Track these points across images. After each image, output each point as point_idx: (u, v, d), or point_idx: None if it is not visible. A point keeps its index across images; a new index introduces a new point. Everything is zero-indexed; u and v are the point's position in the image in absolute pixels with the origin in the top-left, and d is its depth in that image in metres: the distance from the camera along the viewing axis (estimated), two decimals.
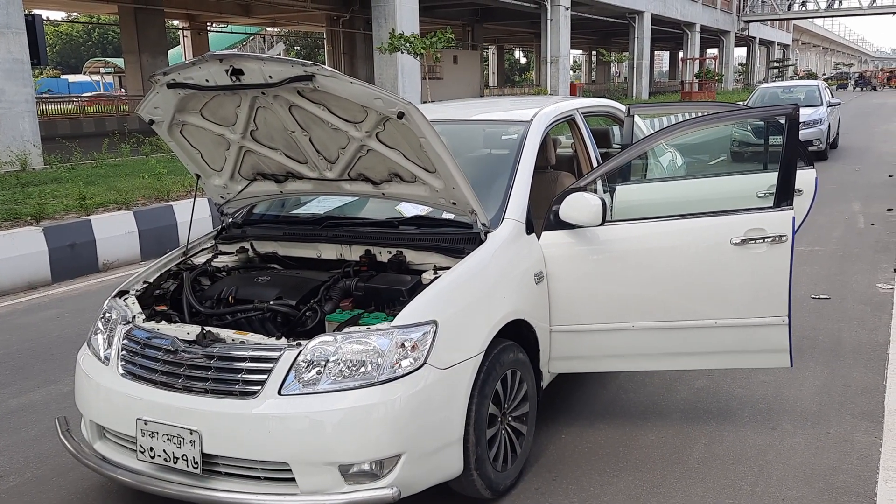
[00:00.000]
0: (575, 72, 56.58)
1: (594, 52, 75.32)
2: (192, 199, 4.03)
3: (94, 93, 51.12)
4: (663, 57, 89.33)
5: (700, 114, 4.56)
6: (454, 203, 3.38)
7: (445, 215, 3.65)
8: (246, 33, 54.44)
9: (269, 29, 57.15)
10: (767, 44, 71.49)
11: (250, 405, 2.82)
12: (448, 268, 3.32)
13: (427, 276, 3.31)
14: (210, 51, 42.58)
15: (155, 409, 2.95)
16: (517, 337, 3.43)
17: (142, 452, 2.98)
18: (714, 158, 13.93)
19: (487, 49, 60.05)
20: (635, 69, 42.46)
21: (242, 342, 2.99)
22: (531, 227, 3.65)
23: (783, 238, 3.54)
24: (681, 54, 61.32)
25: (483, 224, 3.41)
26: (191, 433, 2.86)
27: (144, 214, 8.73)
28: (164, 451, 2.93)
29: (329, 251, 3.72)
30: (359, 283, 3.36)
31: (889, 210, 9.78)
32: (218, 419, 2.84)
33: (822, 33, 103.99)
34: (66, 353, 5.45)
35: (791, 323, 3.60)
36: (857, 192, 11.29)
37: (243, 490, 2.85)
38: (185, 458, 2.88)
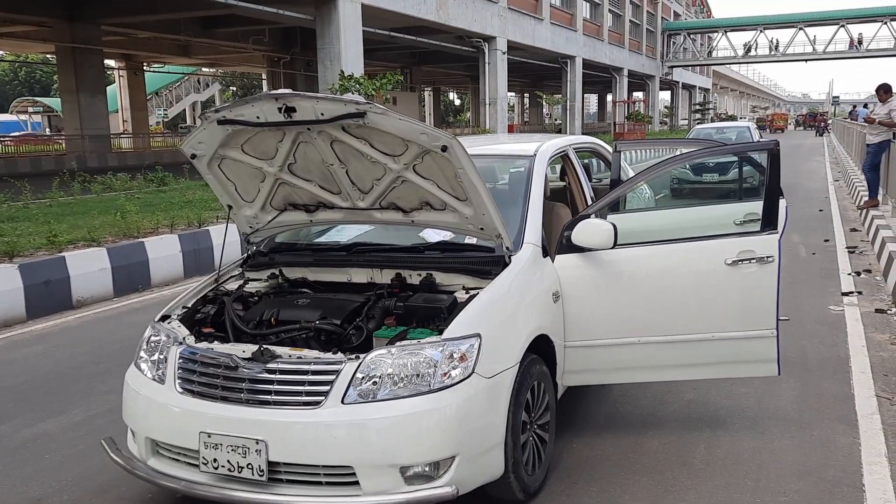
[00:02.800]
0: (508, 113, 58.03)
1: (526, 95, 77.44)
2: (225, 229, 4.22)
3: (22, 132, 49.83)
4: (591, 100, 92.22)
5: (681, 150, 5.00)
6: (482, 228, 3.69)
7: (468, 240, 3.96)
8: (182, 73, 54.13)
9: (203, 69, 56.94)
10: (689, 88, 74.78)
11: (316, 414, 3.03)
12: (477, 288, 3.61)
13: (461, 296, 3.59)
14: (146, 89, 42.06)
15: (218, 422, 3.13)
16: (538, 352, 3.73)
17: (204, 464, 3.15)
18: (658, 193, 14.68)
19: (424, 91, 61.06)
20: (569, 111, 43.86)
21: (300, 357, 3.21)
22: (546, 251, 3.99)
23: (770, 259, 3.96)
24: (609, 97, 63.64)
25: (507, 248, 3.72)
26: (257, 443, 3.05)
27: (117, 251, 8.73)
28: (228, 461, 3.10)
29: (360, 275, 3.97)
30: (398, 302, 3.62)
31: (826, 241, 10.52)
32: (284, 428, 3.05)
33: (738, 78, 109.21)
34: (64, 385, 5.50)
35: (779, 335, 4.01)
36: (793, 224, 12.02)
37: (309, 494, 3.05)
38: (250, 466, 3.07)
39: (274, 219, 4.09)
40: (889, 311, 6.70)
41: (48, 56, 48.22)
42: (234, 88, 67.85)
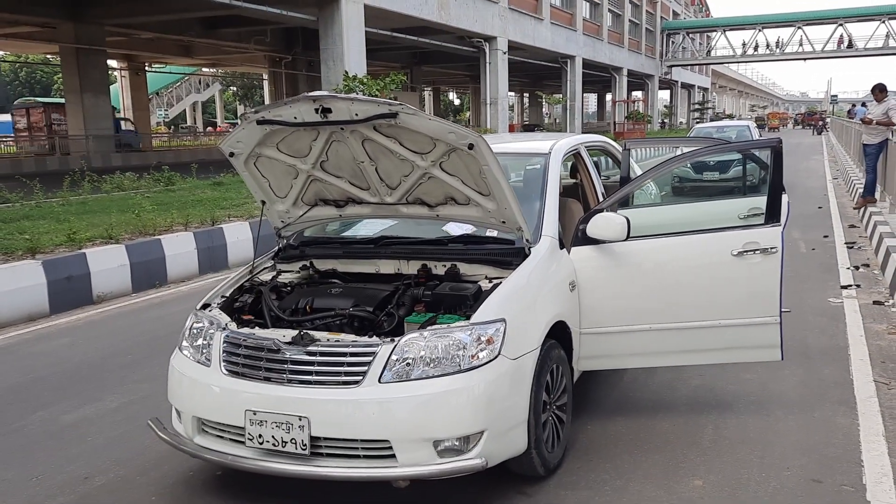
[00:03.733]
0: (508, 112, 58.40)
1: (526, 94, 77.68)
2: (258, 223, 4.45)
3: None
4: (590, 99, 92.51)
5: (681, 148, 5.23)
6: (503, 222, 3.93)
7: (489, 233, 4.20)
8: (182, 73, 54.35)
9: (204, 69, 57.18)
10: (688, 87, 75.02)
11: (356, 392, 3.27)
12: (498, 277, 3.85)
13: (485, 285, 3.83)
14: (147, 88, 42.32)
15: (263, 401, 3.37)
16: (556, 338, 3.96)
17: (250, 439, 3.38)
18: (661, 191, 15.01)
19: (424, 91, 61.30)
20: (568, 110, 44.10)
21: (338, 341, 3.44)
22: (562, 244, 4.23)
23: (774, 249, 4.20)
24: (608, 96, 63.99)
25: (527, 240, 3.95)
26: (300, 419, 3.28)
27: (135, 248, 8.95)
28: (272, 436, 3.34)
29: (387, 266, 4.21)
30: (426, 291, 3.86)
31: (825, 237, 10.78)
32: (326, 406, 3.28)
33: (737, 77, 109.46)
34: (97, 374, 5.74)
35: (782, 322, 4.25)
36: (793, 221, 12.27)
37: (348, 466, 3.29)
38: (293, 441, 3.30)
39: (305, 213, 4.33)
40: (887, 303, 6.95)
41: (49, 56, 48.48)
42: (235, 88, 68.06)
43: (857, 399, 4.72)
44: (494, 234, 4.18)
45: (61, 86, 60.12)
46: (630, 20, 54.83)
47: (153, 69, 46.53)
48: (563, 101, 44.18)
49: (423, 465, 3.25)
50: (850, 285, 7.70)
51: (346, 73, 20.49)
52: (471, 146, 3.52)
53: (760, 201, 4.48)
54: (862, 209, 12.59)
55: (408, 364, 3.33)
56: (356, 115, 3.50)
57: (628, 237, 4.13)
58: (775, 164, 4.30)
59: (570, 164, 5.78)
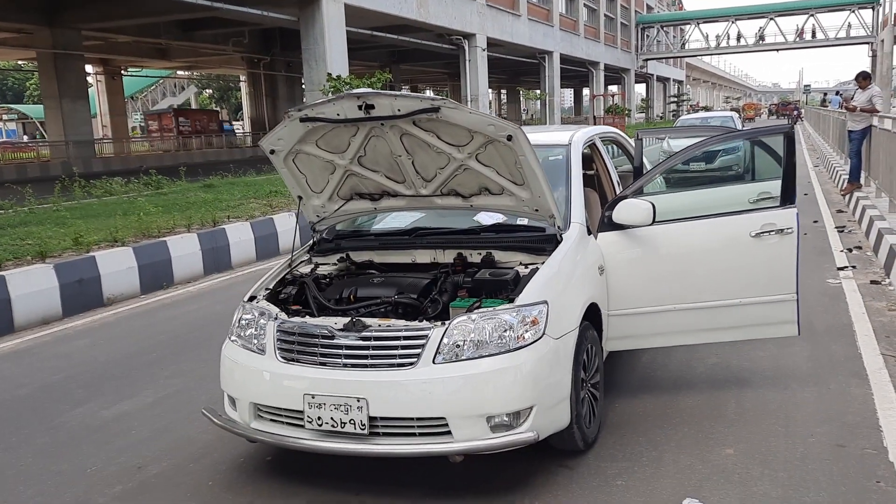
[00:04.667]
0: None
1: (503, 91, 77.98)
2: (296, 218, 4.59)
3: None
4: (566, 94, 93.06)
5: (700, 136, 5.44)
6: (537, 210, 4.10)
7: (520, 221, 4.38)
8: (158, 76, 53.98)
9: (179, 72, 56.87)
10: (664, 80, 75.76)
11: (412, 374, 3.44)
12: (532, 263, 4.03)
13: (522, 270, 4.01)
14: (124, 92, 42.07)
15: (321, 385, 3.52)
16: (589, 319, 4.14)
17: (309, 422, 3.54)
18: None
19: (402, 89, 61.38)
20: (547, 105, 44.43)
21: (389, 326, 3.61)
22: (589, 230, 4.42)
23: (790, 230, 4.42)
24: (585, 91, 64.50)
25: (559, 227, 4.14)
26: (358, 401, 3.44)
27: (142, 250, 9.03)
28: (331, 418, 3.49)
29: (423, 256, 4.38)
30: (466, 277, 4.03)
31: (815, 222, 11.09)
32: (383, 387, 3.45)
33: (711, 70, 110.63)
34: (125, 372, 5.84)
35: (799, 299, 4.47)
36: None
37: (406, 443, 3.46)
38: (352, 422, 3.46)
39: (340, 207, 4.48)
40: (883, 282, 7.22)
41: (20, 63, 47.96)
42: (211, 91, 67.68)
43: (868, 371, 4.95)
44: (524, 222, 4.37)
45: (33, 92, 59.51)
46: (605, 14, 55.29)
47: (129, 73, 46.22)
48: (543, 96, 44.49)
49: (477, 440, 3.42)
50: (846, 267, 7.98)
51: (329, 74, 20.56)
52: (510, 137, 3.69)
53: (767, 186, 4.70)
54: (848, 195, 12.93)
55: (458, 346, 3.50)
56: (398, 110, 3.66)
57: (654, 222, 4.33)
58: (788, 150, 4.52)
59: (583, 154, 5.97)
